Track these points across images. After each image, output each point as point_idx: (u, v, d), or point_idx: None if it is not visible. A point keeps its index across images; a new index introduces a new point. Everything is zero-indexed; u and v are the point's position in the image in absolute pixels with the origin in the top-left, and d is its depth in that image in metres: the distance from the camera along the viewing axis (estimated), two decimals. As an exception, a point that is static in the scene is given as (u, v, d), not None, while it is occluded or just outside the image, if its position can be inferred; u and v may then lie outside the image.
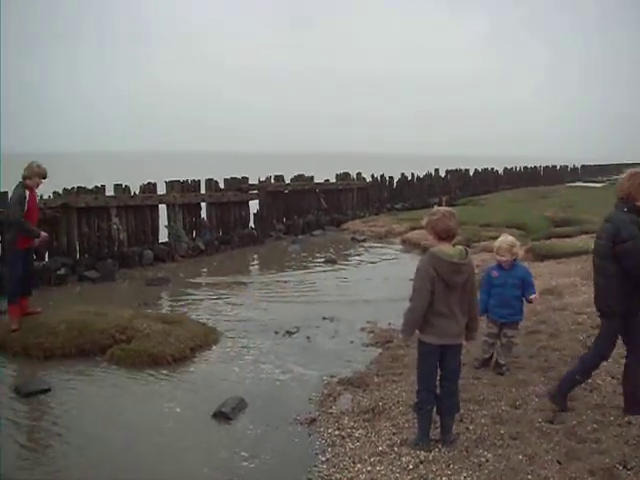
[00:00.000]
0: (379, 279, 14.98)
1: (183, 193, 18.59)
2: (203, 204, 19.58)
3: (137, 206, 17.12)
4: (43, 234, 9.73)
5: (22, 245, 9.68)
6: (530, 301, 7.47)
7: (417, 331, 5.51)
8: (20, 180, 9.72)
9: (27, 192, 9.66)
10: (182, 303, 12.56)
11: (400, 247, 20.36)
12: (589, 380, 6.65)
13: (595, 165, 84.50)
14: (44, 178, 9.96)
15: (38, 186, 9.98)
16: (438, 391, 5.67)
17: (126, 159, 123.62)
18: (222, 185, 20.52)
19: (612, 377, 6.99)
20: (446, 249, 5.37)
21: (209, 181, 19.96)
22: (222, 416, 6.95)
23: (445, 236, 5.39)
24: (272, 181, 22.78)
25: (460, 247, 5.49)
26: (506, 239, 7.56)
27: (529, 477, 5.08)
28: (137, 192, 17.33)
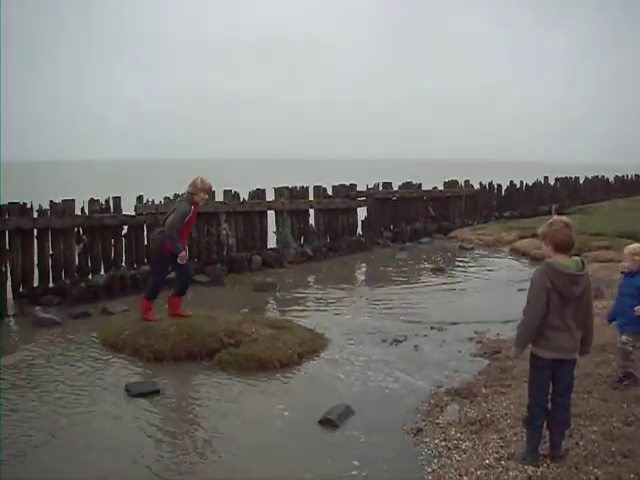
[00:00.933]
0: (487, 288, 14.81)
1: (292, 199, 18.79)
2: (311, 210, 19.70)
3: (246, 212, 17.37)
4: (182, 254, 9.91)
5: (168, 249, 9.98)
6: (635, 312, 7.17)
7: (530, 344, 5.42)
8: (186, 194, 10.14)
9: (192, 208, 10.04)
10: (290, 309, 12.72)
11: (509, 256, 19.98)
12: None
13: None
14: (208, 193, 10.54)
15: (203, 200, 10.42)
16: (549, 406, 5.56)
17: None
18: (330, 192, 20.62)
19: None
20: (563, 260, 5.22)
21: (317, 188, 20.09)
22: (328, 423, 7.00)
23: (564, 247, 5.24)
24: (380, 188, 22.75)
25: (576, 258, 5.33)
26: (631, 245, 7.43)
27: (641, 497, 4.94)
28: (246, 198, 17.60)
